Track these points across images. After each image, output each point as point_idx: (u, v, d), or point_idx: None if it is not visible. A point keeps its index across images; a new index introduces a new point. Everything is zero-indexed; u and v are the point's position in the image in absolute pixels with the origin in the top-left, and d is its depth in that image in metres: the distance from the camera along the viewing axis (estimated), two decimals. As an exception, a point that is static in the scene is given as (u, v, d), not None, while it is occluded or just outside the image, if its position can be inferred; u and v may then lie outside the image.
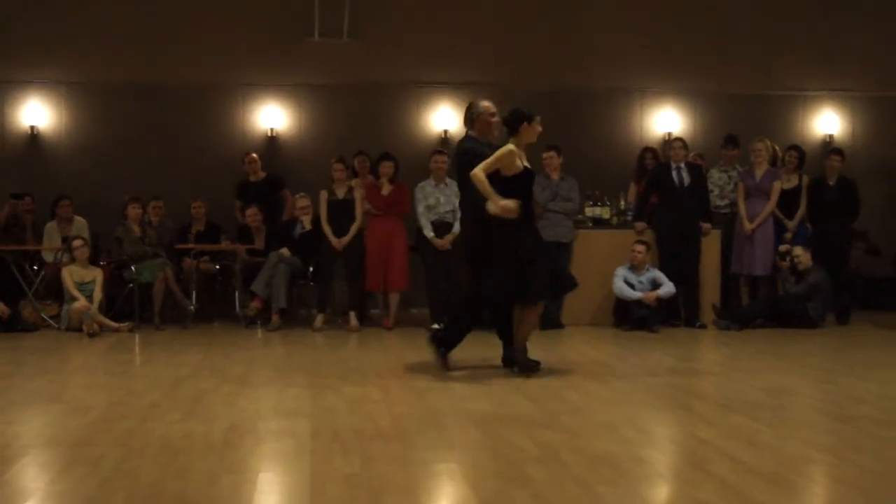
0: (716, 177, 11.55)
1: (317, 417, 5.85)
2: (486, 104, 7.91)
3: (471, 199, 7.55)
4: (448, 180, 10.80)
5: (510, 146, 7.40)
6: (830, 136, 13.55)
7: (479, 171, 7.23)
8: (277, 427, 5.63)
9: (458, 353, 8.77)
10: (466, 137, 7.97)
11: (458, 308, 8.02)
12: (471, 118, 7.96)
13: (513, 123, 7.51)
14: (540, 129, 7.56)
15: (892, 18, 13.60)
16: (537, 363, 7.54)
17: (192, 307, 11.05)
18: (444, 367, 7.60)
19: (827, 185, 11.36)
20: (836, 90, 13.62)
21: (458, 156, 7.90)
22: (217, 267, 11.63)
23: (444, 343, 7.70)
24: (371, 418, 5.86)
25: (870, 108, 13.68)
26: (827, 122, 13.62)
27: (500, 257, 7.40)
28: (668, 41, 13.29)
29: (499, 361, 7.87)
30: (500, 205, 7.18)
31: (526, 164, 7.50)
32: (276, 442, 5.28)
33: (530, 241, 7.49)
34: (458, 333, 7.73)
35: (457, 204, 10.70)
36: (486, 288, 7.53)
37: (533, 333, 7.83)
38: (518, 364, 7.49)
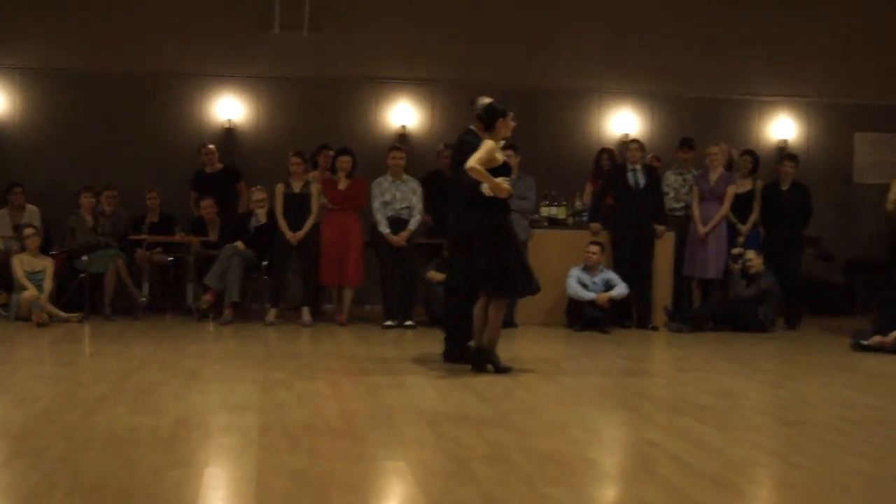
0: (671, 179, 11.61)
1: (266, 412, 5.82)
2: (490, 102, 7.92)
3: (464, 188, 7.59)
4: (405, 176, 10.78)
5: (491, 141, 7.44)
6: (785, 142, 13.66)
7: (475, 164, 7.28)
8: (226, 421, 5.59)
9: (412, 350, 8.75)
10: (467, 131, 8.14)
11: (450, 306, 8.06)
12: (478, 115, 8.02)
13: (488, 119, 7.56)
14: (514, 123, 7.61)
15: (849, 27, 13.73)
16: (509, 368, 7.52)
17: (143, 299, 10.95)
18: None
19: (780, 190, 11.44)
20: (792, 96, 13.74)
21: (458, 146, 8.09)
22: (170, 258, 11.52)
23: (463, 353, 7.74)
24: (321, 414, 5.84)
25: (825, 115, 13.79)
26: (782, 127, 13.73)
27: (482, 245, 7.43)
28: (627, 43, 13.33)
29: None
30: (495, 181, 7.24)
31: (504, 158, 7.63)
32: (224, 436, 5.25)
33: (509, 233, 7.53)
34: (463, 330, 7.78)
35: (413, 201, 10.72)
36: (468, 276, 7.59)
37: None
38: (494, 364, 7.47)
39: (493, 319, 7.50)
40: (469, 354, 7.66)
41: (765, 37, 13.60)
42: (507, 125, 7.57)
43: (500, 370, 7.43)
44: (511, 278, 7.49)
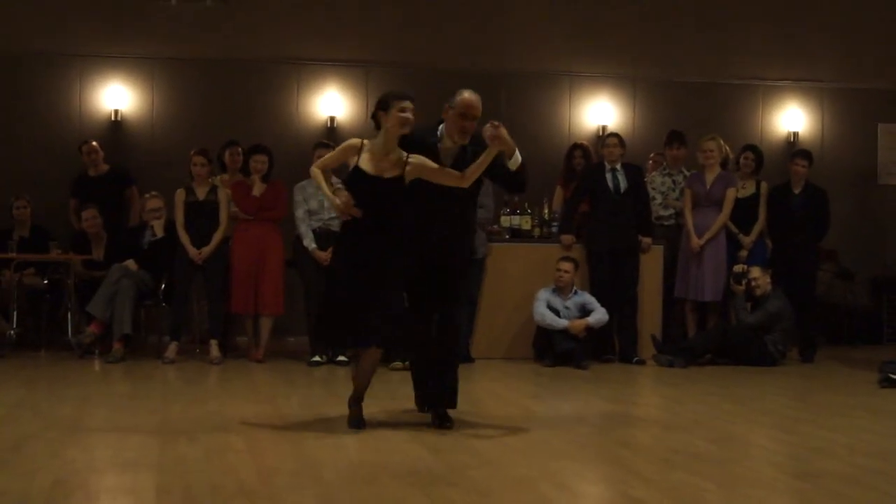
0: (658, 181, 11.70)
1: (165, 471, 5.78)
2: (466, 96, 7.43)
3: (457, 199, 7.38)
4: (334, 179, 10.76)
5: (358, 140, 7.12)
6: (795, 135, 13.81)
7: (315, 166, 7.26)
8: (114, 483, 5.55)
9: (346, 392, 8.73)
10: (428, 129, 7.45)
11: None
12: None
13: (373, 115, 7.21)
14: (403, 115, 7.00)
15: (868, -3, 13.94)
16: (361, 423, 7.17)
17: (11, 331, 10.86)
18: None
19: (791, 193, 11.54)
20: (803, 80, 13.88)
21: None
22: (45, 282, 11.46)
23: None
24: (232, 472, 5.81)
25: (843, 102, 13.96)
26: (791, 117, 13.88)
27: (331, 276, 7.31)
28: (603, 17, 13.42)
29: (406, 402, 7.86)
30: (327, 192, 7.13)
31: (365, 166, 7.02)
32: (112, 501, 5.20)
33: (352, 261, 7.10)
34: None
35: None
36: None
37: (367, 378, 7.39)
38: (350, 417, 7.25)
39: (361, 364, 7.25)
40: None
41: (769, 9, 13.74)
42: (394, 118, 7.00)
43: (351, 424, 7.14)
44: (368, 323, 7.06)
